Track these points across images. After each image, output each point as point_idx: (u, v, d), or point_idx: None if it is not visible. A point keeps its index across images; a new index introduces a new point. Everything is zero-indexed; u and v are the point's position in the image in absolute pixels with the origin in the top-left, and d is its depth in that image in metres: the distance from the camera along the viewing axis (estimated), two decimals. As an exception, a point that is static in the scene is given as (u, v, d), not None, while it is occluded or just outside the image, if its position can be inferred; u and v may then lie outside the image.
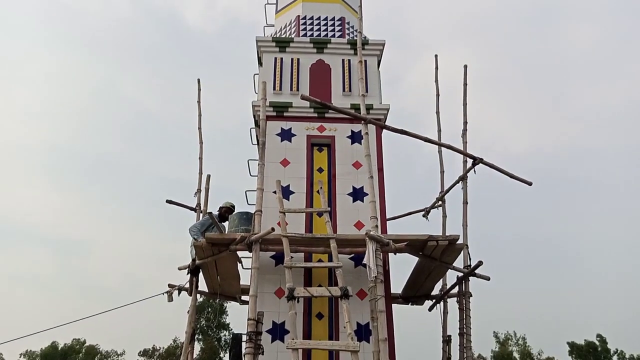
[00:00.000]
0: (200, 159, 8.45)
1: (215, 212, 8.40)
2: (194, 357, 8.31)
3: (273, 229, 6.11)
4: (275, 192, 7.03)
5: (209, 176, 8.15)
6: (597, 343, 40.98)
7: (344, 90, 8.40)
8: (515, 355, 42.63)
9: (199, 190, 8.21)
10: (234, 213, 8.01)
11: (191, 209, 8.44)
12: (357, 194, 7.49)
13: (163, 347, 39.78)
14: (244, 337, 5.83)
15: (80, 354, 40.77)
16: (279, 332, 6.46)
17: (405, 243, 6.36)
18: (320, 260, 6.84)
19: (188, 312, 7.40)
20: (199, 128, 8.75)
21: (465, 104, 8.55)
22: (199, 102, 8.94)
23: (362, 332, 6.48)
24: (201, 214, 7.86)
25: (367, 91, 7.74)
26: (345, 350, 5.34)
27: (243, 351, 6.03)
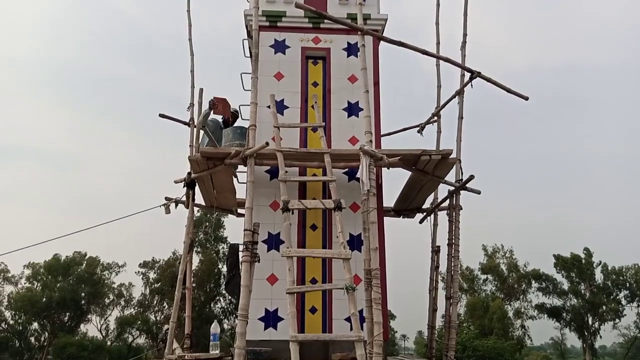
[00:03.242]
0: (192, 71, 8.23)
1: (219, 119, 8.33)
2: (193, 268, 8.64)
3: (267, 144, 6.10)
4: (269, 107, 6.97)
5: (201, 90, 7.99)
6: (583, 256, 42.77)
7: (340, -2, 8.03)
8: (502, 267, 44.67)
9: (191, 105, 8.09)
10: (228, 128, 7.97)
11: (184, 123, 8.37)
12: (352, 109, 7.42)
13: (163, 259, 41.35)
14: (241, 247, 6.02)
15: (82, 266, 42.38)
16: (274, 242, 6.68)
17: (399, 157, 6.39)
18: (314, 175, 6.92)
19: (186, 225, 7.58)
20: (189, 39, 8.44)
21: (465, 15, 8.22)
22: (188, 11, 8.56)
23: (355, 242, 6.71)
24: (194, 129, 7.82)
25: None
26: (338, 258, 5.54)
27: (240, 259, 6.26)
